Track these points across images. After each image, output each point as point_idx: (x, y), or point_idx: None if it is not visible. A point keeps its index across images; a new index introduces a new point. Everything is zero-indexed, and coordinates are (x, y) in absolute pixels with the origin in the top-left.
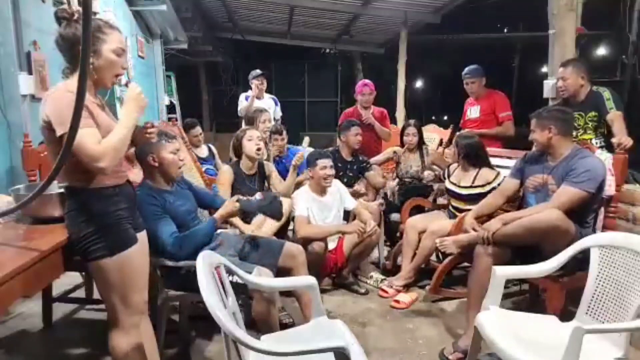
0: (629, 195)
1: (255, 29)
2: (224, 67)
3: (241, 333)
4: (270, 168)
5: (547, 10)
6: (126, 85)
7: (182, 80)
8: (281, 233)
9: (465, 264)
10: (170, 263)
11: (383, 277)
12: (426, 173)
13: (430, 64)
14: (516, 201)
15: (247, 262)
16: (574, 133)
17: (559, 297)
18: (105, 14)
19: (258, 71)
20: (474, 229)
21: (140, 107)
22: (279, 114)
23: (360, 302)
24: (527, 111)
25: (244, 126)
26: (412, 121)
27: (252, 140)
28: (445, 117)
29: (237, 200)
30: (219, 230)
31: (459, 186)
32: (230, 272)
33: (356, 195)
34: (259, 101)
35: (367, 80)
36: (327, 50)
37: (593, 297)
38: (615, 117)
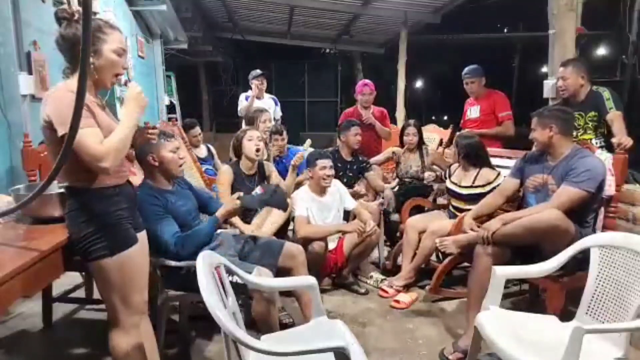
0: (629, 195)
1: (255, 29)
2: (224, 67)
3: (241, 333)
4: (270, 168)
5: (547, 10)
6: (126, 84)
7: (182, 80)
8: (281, 233)
9: (465, 264)
10: (172, 263)
11: (383, 277)
12: (427, 174)
13: (430, 64)
14: (516, 201)
15: (247, 262)
16: (574, 133)
17: (559, 297)
18: (105, 14)
19: (258, 71)
20: (472, 230)
21: (141, 107)
22: (279, 114)
23: (360, 302)
24: (527, 111)
25: (244, 126)
26: (411, 121)
27: (252, 141)
28: (445, 117)
29: (239, 198)
30: (219, 230)
31: (460, 186)
32: (230, 272)
33: (356, 196)
34: (259, 101)
35: (367, 80)
36: (327, 50)
37: (593, 297)
38: (615, 117)
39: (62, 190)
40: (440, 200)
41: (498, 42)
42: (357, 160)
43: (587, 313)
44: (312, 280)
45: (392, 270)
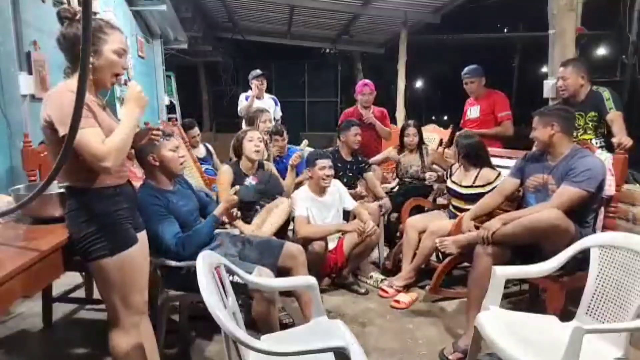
0: (629, 195)
1: (255, 29)
2: (224, 67)
3: (241, 333)
4: (270, 168)
5: (547, 10)
6: (126, 84)
7: (182, 80)
8: (281, 233)
9: (465, 264)
10: (172, 263)
11: (383, 277)
12: (428, 174)
13: (430, 64)
14: (516, 201)
15: (247, 262)
16: (574, 133)
17: (559, 297)
18: (106, 14)
19: (258, 71)
20: (471, 231)
21: (141, 106)
22: (279, 114)
23: (360, 302)
24: (527, 111)
25: (244, 126)
26: (411, 122)
27: (252, 142)
28: (445, 117)
29: (235, 193)
30: (219, 231)
31: (460, 185)
32: (230, 272)
33: (357, 197)
34: (259, 101)
35: (367, 80)
36: (327, 50)
37: (593, 297)
38: (615, 117)
39: (62, 190)
40: (440, 200)
41: (498, 42)
42: (357, 160)
43: (587, 313)
44: (312, 280)
45: (392, 270)
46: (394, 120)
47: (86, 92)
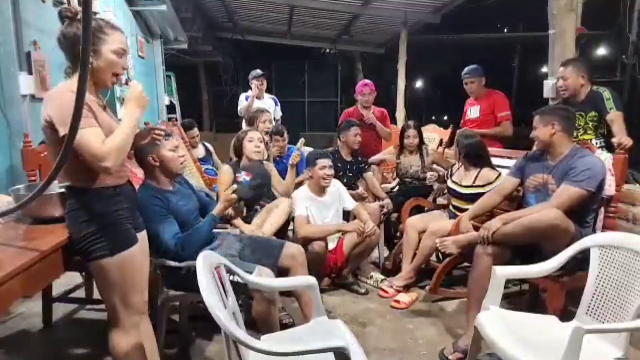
0: (629, 195)
1: (255, 29)
2: (224, 67)
3: (241, 333)
4: (270, 168)
5: (547, 10)
6: (127, 84)
7: (182, 80)
8: (281, 233)
9: (465, 264)
10: (172, 263)
11: (383, 277)
12: (429, 174)
13: (430, 64)
14: (516, 201)
15: (247, 262)
16: (574, 133)
17: (559, 297)
18: (106, 14)
19: (258, 71)
20: (469, 231)
21: (142, 106)
22: (279, 114)
23: (360, 302)
24: (527, 111)
25: (244, 126)
26: (411, 123)
27: (252, 142)
28: (445, 117)
29: (234, 192)
30: (219, 231)
31: (460, 185)
32: (230, 272)
33: (358, 198)
34: (259, 101)
35: (367, 80)
36: (327, 50)
37: (593, 297)
38: (615, 117)
39: (62, 190)
40: (440, 200)
41: (498, 42)
42: (357, 161)
43: (587, 313)
44: (312, 280)
45: (392, 270)
46: (394, 120)
47: (86, 92)
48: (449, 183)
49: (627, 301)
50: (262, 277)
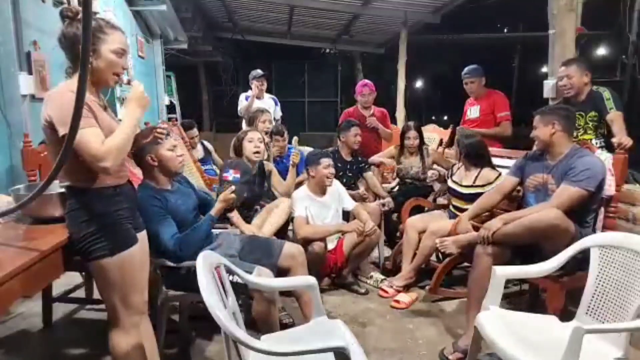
0: (629, 195)
1: (255, 29)
2: (224, 67)
3: (241, 333)
4: (270, 168)
5: (547, 10)
6: (128, 83)
7: (182, 80)
8: (281, 233)
9: (465, 264)
10: (171, 263)
11: (383, 277)
12: (430, 172)
13: (430, 64)
14: (516, 201)
15: (247, 262)
16: (574, 133)
17: (559, 297)
18: (106, 13)
19: (259, 71)
20: (468, 231)
21: (143, 106)
22: (279, 114)
23: (360, 302)
24: (527, 111)
25: (244, 126)
26: (412, 124)
27: (252, 142)
28: (445, 117)
29: (232, 192)
30: (219, 231)
31: (461, 185)
32: (230, 272)
33: (359, 199)
34: (259, 101)
35: (367, 81)
36: (327, 50)
37: (593, 297)
38: (615, 117)
39: (62, 190)
40: (441, 200)
41: (498, 42)
42: (357, 160)
43: (587, 313)
44: (312, 280)
45: (392, 270)
46: (393, 120)
47: (86, 92)
48: (450, 183)
49: (627, 301)
50: (262, 277)
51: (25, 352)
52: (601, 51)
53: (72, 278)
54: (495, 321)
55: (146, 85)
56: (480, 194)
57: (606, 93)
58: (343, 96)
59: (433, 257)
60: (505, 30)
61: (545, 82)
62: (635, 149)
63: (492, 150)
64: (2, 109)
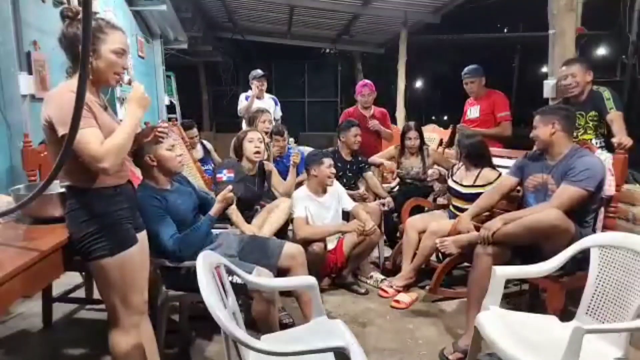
0: (629, 195)
1: (255, 29)
2: (224, 67)
3: (241, 333)
4: (271, 168)
5: (547, 10)
6: (128, 84)
7: (182, 80)
8: (281, 233)
9: (465, 264)
10: (171, 264)
11: (383, 277)
12: (430, 171)
13: (430, 64)
14: (516, 201)
15: (247, 262)
16: (575, 133)
17: (559, 297)
18: (106, 13)
19: (259, 72)
20: (470, 231)
21: (143, 107)
22: (279, 114)
23: (360, 302)
24: (527, 111)
25: (244, 126)
26: (412, 124)
27: (252, 142)
28: (445, 117)
29: (231, 190)
30: (219, 231)
31: (461, 185)
32: (230, 272)
33: (360, 199)
34: (259, 101)
35: (367, 81)
36: (327, 50)
37: (593, 297)
38: (615, 117)
39: (62, 190)
40: (441, 200)
41: (498, 42)
42: (357, 160)
43: (587, 313)
44: (312, 280)
45: (392, 270)
46: (393, 120)
47: (86, 91)
48: (450, 182)
49: (627, 301)
50: (261, 277)
51: (25, 352)
52: (601, 51)
53: (72, 278)
54: (495, 321)
55: (146, 85)
56: (480, 194)
57: (606, 93)
58: (343, 96)
59: (433, 257)
60: (505, 30)
61: (545, 82)
62: (635, 149)
63: (492, 150)
64: (2, 109)
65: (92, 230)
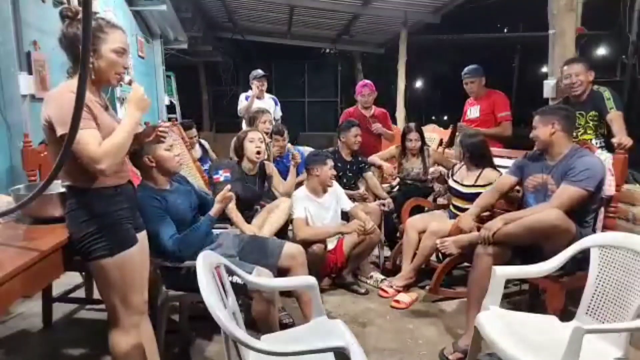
0: (629, 195)
1: (255, 29)
2: (224, 67)
3: (241, 333)
4: (271, 168)
5: (547, 10)
6: (129, 84)
7: (182, 80)
8: (281, 233)
9: (465, 264)
10: (171, 264)
11: (383, 277)
12: (432, 169)
13: (430, 64)
14: (516, 202)
15: (247, 263)
16: (575, 133)
17: (559, 297)
18: (106, 13)
19: (260, 72)
20: (472, 230)
21: (143, 108)
22: (279, 114)
23: (360, 302)
24: (527, 111)
25: (244, 126)
26: (413, 125)
27: (253, 142)
28: (445, 117)
29: (230, 190)
30: (219, 231)
31: (462, 185)
32: (230, 272)
33: (360, 199)
34: (259, 101)
35: (367, 81)
36: (327, 50)
37: (593, 297)
38: (615, 117)
39: (62, 190)
40: (441, 200)
41: (498, 42)
42: (357, 161)
43: (587, 313)
44: (312, 280)
45: (392, 270)
46: (394, 120)
47: (86, 92)
48: (451, 182)
49: (627, 301)
50: (261, 277)
51: (25, 352)
52: (601, 51)
53: (72, 278)
54: (495, 321)
55: (146, 85)
56: (480, 193)
57: (606, 93)
58: (343, 96)
59: (433, 257)
60: (505, 30)
61: (545, 82)
62: (635, 149)
63: (493, 150)
64: (2, 109)
65: (92, 230)
